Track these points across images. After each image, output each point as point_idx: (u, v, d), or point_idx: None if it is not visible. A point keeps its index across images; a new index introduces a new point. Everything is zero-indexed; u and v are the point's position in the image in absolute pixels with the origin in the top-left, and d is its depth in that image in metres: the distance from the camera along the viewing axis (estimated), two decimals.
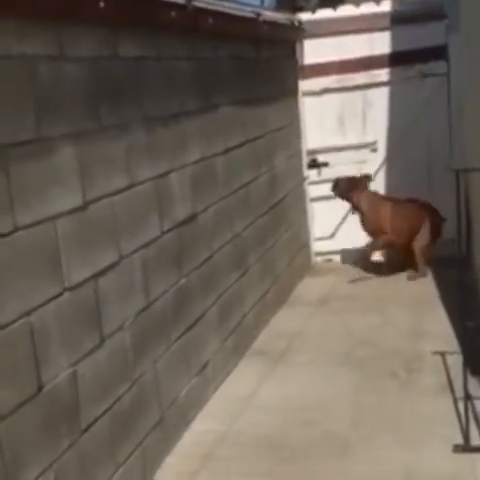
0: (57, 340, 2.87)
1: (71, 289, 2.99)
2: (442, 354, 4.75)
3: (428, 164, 6.92)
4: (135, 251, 3.59)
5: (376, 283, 6.67)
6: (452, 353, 4.61)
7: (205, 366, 4.48)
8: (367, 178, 6.77)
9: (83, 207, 3.11)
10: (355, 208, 6.75)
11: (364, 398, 4.43)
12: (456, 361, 4.32)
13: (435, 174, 6.81)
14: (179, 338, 4.10)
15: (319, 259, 7.56)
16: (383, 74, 6.98)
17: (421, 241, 6.57)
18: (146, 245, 3.72)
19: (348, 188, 6.65)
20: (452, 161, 6.32)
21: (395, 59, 6.91)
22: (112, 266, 3.35)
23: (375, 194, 6.73)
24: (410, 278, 6.58)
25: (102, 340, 3.24)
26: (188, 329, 4.23)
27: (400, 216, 6.57)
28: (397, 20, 6.85)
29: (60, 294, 2.91)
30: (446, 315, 5.49)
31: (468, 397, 3.88)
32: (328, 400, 4.44)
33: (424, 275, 6.54)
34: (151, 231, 3.79)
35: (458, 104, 6.28)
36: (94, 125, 3.25)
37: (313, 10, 7.24)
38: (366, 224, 6.69)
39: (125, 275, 3.48)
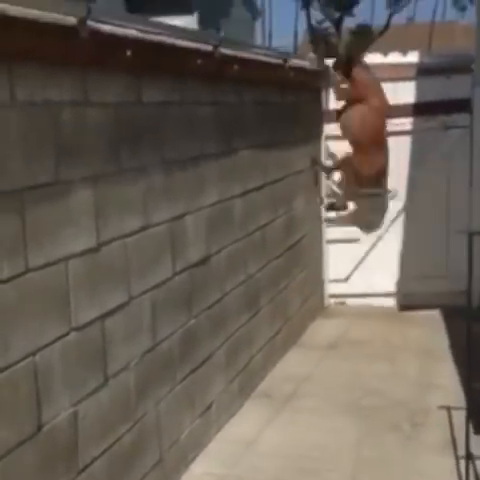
0: (60, 380, 2.92)
1: (78, 329, 3.04)
2: (448, 409, 4.73)
3: (447, 216, 6.93)
4: (145, 292, 3.65)
5: (387, 327, 6.66)
6: (458, 408, 4.59)
7: (209, 407, 4.51)
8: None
9: (96, 248, 3.18)
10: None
11: (366, 451, 4.42)
12: (462, 417, 4.29)
13: (453, 227, 6.81)
14: (184, 379, 4.14)
15: (333, 301, 7.57)
16: (406, 123, 7.02)
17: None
18: (157, 286, 3.77)
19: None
20: (470, 218, 6.36)
21: (419, 109, 6.96)
22: (121, 307, 3.41)
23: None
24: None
25: (106, 380, 3.28)
26: (194, 370, 4.27)
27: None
28: (423, 71, 6.92)
29: (66, 334, 2.96)
30: (455, 367, 5.48)
31: (469, 457, 3.87)
32: (329, 450, 4.43)
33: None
34: (163, 272, 3.85)
35: None
36: (113, 168, 3.33)
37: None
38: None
39: (133, 316, 3.54)
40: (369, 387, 5.34)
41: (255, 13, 22.52)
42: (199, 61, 4.05)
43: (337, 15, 31.69)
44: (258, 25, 28.21)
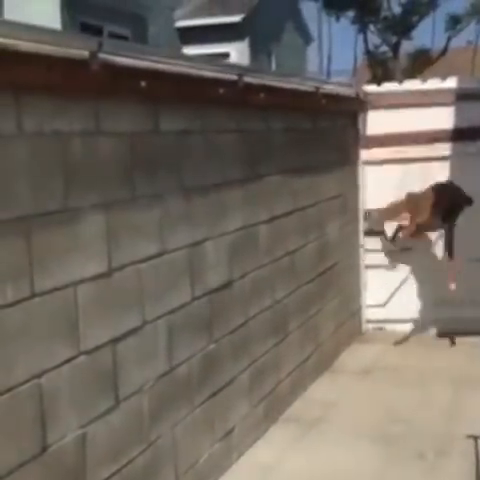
0: (68, 402, 3.00)
1: (87, 353, 3.12)
2: (475, 438, 4.66)
3: None
4: (161, 317, 3.71)
5: (423, 353, 6.59)
6: None
7: (230, 431, 4.53)
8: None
9: (107, 274, 3.27)
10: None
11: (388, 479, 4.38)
12: None
13: None
14: (203, 402, 4.18)
15: (370, 327, 7.52)
16: (445, 148, 6.98)
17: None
18: (174, 311, 3.84)
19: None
20: None
21: (458, 134, 6.91)
22: (134, 331, 3.48)
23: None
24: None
25: (117, 402, 3.35)
26: (214, 394, 4.30)
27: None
28: (462, 96, 6.87)
29: (75, 357, 3.05)
30: None
31: None
32: (352, 478, 4.41)
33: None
34: (180, 297, 3.91)
35: None
36: (127, 195, 3.42)
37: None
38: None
39: (148, 340, 3.60)
40: (398, 414, 5.29)
41: (308, 38, 22.66)
42: (221, 90, 4.13)
43: (394, 39, 31.62)
44: (314, 50, 28.34)
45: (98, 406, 3.22)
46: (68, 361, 3.01)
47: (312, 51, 25.22)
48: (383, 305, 7.40)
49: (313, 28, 24.09)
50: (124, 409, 3.41)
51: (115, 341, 3.33)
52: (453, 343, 6.79)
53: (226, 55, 15.23)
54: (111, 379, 3.32)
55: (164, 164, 3.74)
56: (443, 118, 6.96)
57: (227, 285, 4.45)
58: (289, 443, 4.89)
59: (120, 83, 3.24)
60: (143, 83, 3.35)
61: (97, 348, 3.20)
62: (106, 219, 3.26)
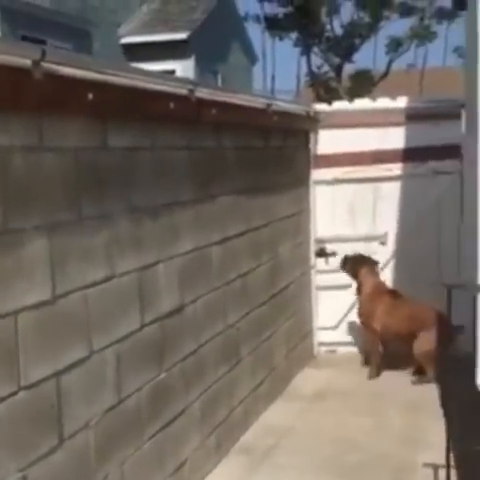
0: (5, 443, 2.73)
1: (27, 388, 2.86)
2: (434, 467, 4.51)
3: (438, 263, 6.79)
4: (109, 346, 3.47)
5: (377, 380, 6.46)
6: (444, 466, 4.37)
7: (182, 465, 4.29)
8: (375, 263, 6.66)
9: (51, 301, 3.01)
10: (358, 289, 6.62)
11: None
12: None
13: (444, 272, 6.66)
14: (153, 436, 3.93)
15: (323, 349, 7.37)
16: (395, 168, 6.92)
17: (420, 347, 6.23)
18: (122, 339, 3.59)
19: (356, 264, 6.58)
20: (459, 265, 6.22)
21: (408, 155, 6.86)
22: (80, 362, 3.23)
23: (381, 284, 6.57)
24: (414, 382, 6.31)
25: (61, 441, 3.09)
26: (165, 426, 4.06)
27: (397, 316, 6.35)
28: (412, 116, 6.83)
29: (14, 393, 2.78)
30: (444, 424, 5.25)
31: None
32: None
33: (429, 381, 6.25)
34: (130, 324, 3.67)
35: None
36: (73, 216, 3.18)
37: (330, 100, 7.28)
38: (360, 310, 6.61)
39: (95, 371, 3.35)
40: (353, 442, 5.13)
41: (253, 58, 22.68)
42: (172, 105, 3.93)
43: (337, 61, 31.94)
44: (259, 70, 28.44)
45: (40, 446, 2.95)
46: (6, 398, 2.74)
47: (257, 71, 25.28)
48: (335, 327, 7.27)
49: (258, 48, 24.18)
50: (68, 448, 3.14)
51: (59, 374, 3.07)
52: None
53: (172, 73, 15.06)
54: (54, 416, 3.05)
55: (112, 183, 3.51)
56: (393, 138, 6.90)
57: (178, 310, 4.22)
58: (242, 476, 4.66)
59: (65, 95, 3.01)
60: (90, 95, 3.13)
61: (39, 382, 2.94)
62: (50, 242, 3.01)
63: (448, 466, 3.80)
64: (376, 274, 6.61)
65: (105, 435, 3.44)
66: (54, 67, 2.86)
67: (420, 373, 6.33)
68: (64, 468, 3.11)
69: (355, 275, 6.60)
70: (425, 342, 6.21)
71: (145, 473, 3.84)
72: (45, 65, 2.80)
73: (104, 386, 3.44)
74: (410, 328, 6.30)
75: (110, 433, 3.49)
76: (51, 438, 3.03)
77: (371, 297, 6.49)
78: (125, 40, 16.50)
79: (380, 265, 6.77)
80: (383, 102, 6.99)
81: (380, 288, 6.55)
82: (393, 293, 6.54)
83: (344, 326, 7.22)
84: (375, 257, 6.77)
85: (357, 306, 6.67)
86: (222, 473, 4.71)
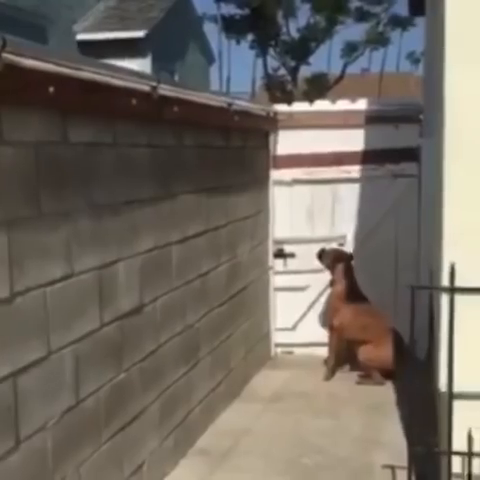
0: None
1: None
2: (392, 468, 4.53)
3: (395, 265, 6.85)
4: (67, 345, 3.38)
5: (334, 381, 6.48)
6: (403, 468, 4.39)
7: (140, 467, 4.22)
8: (351, 258, 6.71)
9: (9, 299, 2.92)
10: (332, 283, 6.68)
11: None
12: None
13: (401, 275, 6.72)
14: (111, 438, 3.86)
15: (279, 350, 7.36)
16: (354, 171, 6.95)
17: (364, 354, 6.36)
18: (81, 339, 3.51)
19: (335, 258, 6.63)
20: (418, 266, 6.29)
21: (367, 157, 6.89)
22: (38, 362, 3.14)
23: (354, 284, 6.59)
24: (358, 382, 6.40)
25: (17, 443, 3.00)
26: (123, 428, 3.99)
27: (356, 322, 6.43)
28: (372, 119, 6.86)
29: None
30: (401, 424, 5.30)
31: None
32: None
33: (373, 384, 6.32)
34: (89, 324, 3.59)
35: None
36: (32, 212, 3.09)
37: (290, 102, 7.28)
38: (328, 304, 6.75)
39: (53, 372, 3.27)
40: (311, 443, 5.12)
41: (210, 59, 22.62)
42: (134, 101, 3.86)
43: (293, 64, 32.07)
44: (215, 71, 28.39)
45: None
46: None
47: (213, 72, 25.27)
48: (292, 328, 7.26)
49: (214, 49, 24.14)
50: (25, 450, 3.06)
51: (16, 374, 2.98)
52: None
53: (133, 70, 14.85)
54: (11, 417, 2.96)
55: (73, 179, 3.43)
56: (352, 140, 6.92)
57: (138, 310, 4.16)
58: (200, 478, 4.61)
59: (26, 88, 2.92)
60: (51, 89, 3.05)
61: None
62: (8, 238, 2.92)
63: (410, 468, 3.81)
64: (351, 271, 6.63)
65: (63, 437, 3.36)
66: (15, 59, 2.77)
67: (368, 376, 6.39)
68: (20, 471, 3.02)
69: (331, 270, 6.66)
70: (370, 351, 6.33)
71: (102, 475, 3.76)
72: (5, 56, 2.71)
73: (62, 387, 3.36)
74: (363, 337, 6.39)
75: (68, 435, 3.40)
76: (7, 440, 2.94)
77: (341, 296, 6.55)
78: (81, 37, 16.29)
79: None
80: (343, 104, 7.01)
81: (352, 290, 6.56)
82: (361, 299, 6.54)
83: (301, 327, 7.21)
84: None
85: (328, 297, 6.81)
86: (180, 475, 4.65)
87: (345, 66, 32.97)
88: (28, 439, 3.07)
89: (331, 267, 6.66)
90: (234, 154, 5.91)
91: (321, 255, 6.72)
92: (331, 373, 6.55)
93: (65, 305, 3.37)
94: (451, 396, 3.49)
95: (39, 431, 3.17)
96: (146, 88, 4.03)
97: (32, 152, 3.08)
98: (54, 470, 3.29)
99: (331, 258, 6.67)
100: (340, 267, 6.60)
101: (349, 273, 6.62)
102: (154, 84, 4.09)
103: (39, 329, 3.16)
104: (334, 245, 6.98)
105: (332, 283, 6.70)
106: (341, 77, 32.66)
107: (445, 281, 3.42)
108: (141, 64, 15.54)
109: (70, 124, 3.37)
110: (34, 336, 3.13)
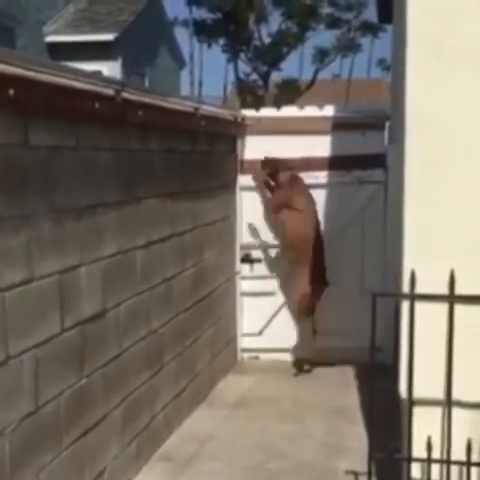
0: None
1: None
2: (355, 474, 4.54)
3: (362, 270, 6.89)
4: (26, 351, 3.34)
5: (299, 383, 6.50)
6: (365, 473, 4.40)
7: (101, 474, 4.18)
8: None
9: None
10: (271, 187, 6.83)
11: None
12: None
13: (368, 280, 6.75)
14: (72, 444, 3.82)
15: (246, 356, 7.36)
16: (321, 176, 6.97)
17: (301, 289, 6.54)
18: (41, 344, 3.47)
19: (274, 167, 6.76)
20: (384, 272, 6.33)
21: (334, 163, 6.93)
22: None
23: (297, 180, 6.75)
24: (296, 375, 6.63)
25: None
26: (84, 434, 3.95)
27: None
28: (338, 125, 6.90)
29: None
30: (365, 429, 5.30)
31: None
32: None
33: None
34: (49, 329, 3.55)
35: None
36: None
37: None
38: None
39: (11, 377, 3.23)
40: (275, 449, 5.12)
41: (181, 63, 22.60)
42: (98, 105, 3.84)
43: (264, 69, 32.16)
44: (186, 75, 28.36)
45: None
46: None
47: (184, 76, 25.23)
48: (258, 333, 7.26)
49: (186, 53, 24.11)
50: None
51: None
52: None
53: (98, 73, 14.79)
54: None
55: (33, 182, 3.39)
56: (319, 146, 6.95)
57: (100, 315, 4.12)
58: None
59: None
60: (11, 91, 3.01)
61: None
62: None
63: (370, 473, 3.82)
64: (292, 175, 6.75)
65: (21, 443, 3.32)
66: None
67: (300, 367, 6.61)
68: None
69: (273, 177, 6.79)
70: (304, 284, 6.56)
71: None
72: None
73: (21, 392, 3.32)
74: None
75: (27, 441, 3.36)
76: None
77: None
78: (50, 39, 16.15)
79: None
80: (310, 110, 7.04)
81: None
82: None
83: (267, 333, 7.21)
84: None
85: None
86: None
87: (316, 72, 33.19)
88: None
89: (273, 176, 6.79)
90: (201, 159, 5.90)
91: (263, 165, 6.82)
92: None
93: (25, 310, 3.33)
94: (411, 402, 3.51)
95: None
96: (110, 92, 4.00)
97: None
98: (12, 476, 3.24)
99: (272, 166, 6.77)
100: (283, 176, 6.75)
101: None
102: (118, 88, 4.07)
103: None
104: None
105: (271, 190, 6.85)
106: (312, 83, 32.86)
107: (406, 288, 3.44)
108: (111, 67, 15.48)
109: (31, 127, 3.34)
110: None
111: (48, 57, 15.13)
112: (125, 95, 4.15)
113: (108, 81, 4.08)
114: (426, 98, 3.40)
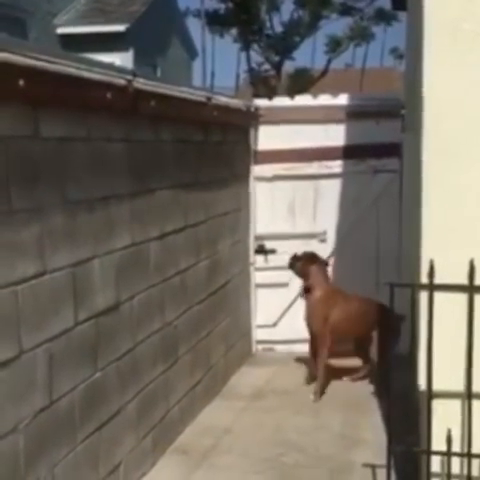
0: None
1: None
2: (372, 467, 4.49)
3: (376, 261, 6.81)
4: (40, 345, 3.31)
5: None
6: (382, 466, 4.34)
7: (116, 468, 4.15)
8: (326, 263, 6.30)
9: None
10: (306, 290, 6.13)
11: None
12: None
13: (383, 271, 6.69)
14: (87, 438, 3.79)
15: (260, 347, 7.32)
16: (335, 166, 6.90)
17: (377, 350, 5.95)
18: (55, 338, 3.44)
19: (306, 264, 6.08)
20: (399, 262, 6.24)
21: (348, 152, 6.85)
22: (9, 362, 3.07)
23: (332, 286, 6.20)
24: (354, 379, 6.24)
25: None
26: (99, 428, 3.92)
27: (351, 316, 6.06)
28: (353, 114, 6.82)
29: None
30: (383, 421, 5.25)
31: None
32: None
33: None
34: (62, 322, 3.52)
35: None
36: (2, 208, 3.01)
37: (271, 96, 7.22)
38: (311, 314, 6.11)
39: (25, 372, 3.19)
40: (292, 442, 5.08)
41: (193, 53, 22.52)
42: (109, 95, 3.79)
43: (277, 58, 32.02)
44: (199, 65, 28.27)
45: None
46: None
47: (196, 67, 25.14)
48: (273, 325, 7.22)
49: (198, 43, 24.01)
50: None
51: None
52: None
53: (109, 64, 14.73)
54: None
55: (45, 174, 3.35)
56: (334, 135, 6.87)
57: (114, 307, 4.08)
58: (179, 477, 4.56)
59: None
60: (21, 82, 2.96)
61: None
62: None
63: (389, 467, 3.77)
64: (326, 275, 6.17)
65: (36, 438, 3.29)
66: None
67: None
68: None
69: (304, 276, 6.11)
70: (379, 343, 5.95)
71: (78, 476, 3.69)
72: None
73: (35, 387, 3.29)
74: (365, 326, 6.05)
75: (41, 436, 3.33)
76: None
77: (323, 300, 6.03)
78: (62, 30, 16.13)
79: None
80: (324, 99, 6.96)
81: (332, 290, 6.13)
82: (343, 294, 6.13)
83: (282, 324, 7.16)
84: None
85: (306, 310, 6.15)
86: (158, 475, 4.59)
87: (329, 61, 33.01)
88: None
89: (303, 273, 6.11)
90: (213, 149, 5.85)
91: (293, 263, 6.18)
92: (322, 391, 6.00)
93: (37, 303, 3.30)
94: (430, 395, 3.45)
95: (11, 433, 3.09)
96: (121, 82, 3.95)
97: (2, 147, 3.00)
98: (27, 471, 3.22)
99: (303, 264, 6.10)
100: (315, 269, 6.07)
101: (325, 276, 6.14)
102: (129, 78, 4.02)
103: (10, 328, 3.09)
104: (314, 242, 6.92)
105: (308, 289, 6.10)
106: (325, 72, 32.68)
107: (424, 278, 3.38)
108: (123, 58, 15.45)
109: (42, 118, 3.29)
110: (5, 335, 3.05)
111: (60, 49, 15.10)
112: (137, 85, 4.10)
113: (119, 71, 4.02)
114: (444, 83, 3.33)
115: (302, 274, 6.14)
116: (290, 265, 6.23)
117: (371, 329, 6.04)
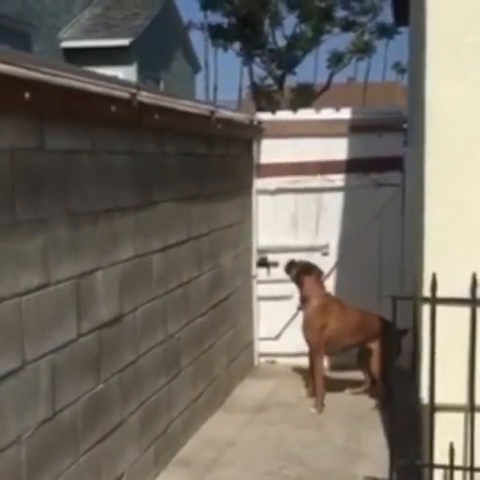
0: None
1: None
2: None
3: (379, 274, 6.82)
4: (43, 356, 3.32)
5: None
6: None
7: (119, 479, 4.15)
8: (321, 272, 6.31)
9: None
10: (303, 299, 6.16)
11: None
12: None
13: (385, 284, 6.69)
14: (89, 450, 3.79)
15: (263, 360, 7.32)
16: (338, 179, 6.92)
17: (376, 363, 5.96)
18: (58, 349, 3.45)
19: (302, 272, 6.14)
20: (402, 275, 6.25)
21: (350, 166, 6.87)
22: (12, 373, 3.07)
23: (328, 295, 6.28)
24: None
25: None
26: (101, 440, 3.92)
27: (348, 327, 6.05)
28: (355, 128, 6.85)
29: None
30: (385, 434, 5.25)
31: None
32: None
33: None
34: (66, 334, 3.53)
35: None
36: (6, 220, 3.03)
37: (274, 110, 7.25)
38: (307, 323, 6.12)
39: (28, 383, 3.20)
40: (294, 455, 5.07)
41: (196, 67, 22.64)
42: (113, 108, 3.81)
43: (279, 72, 32.17)
44: (201, 79, 28.43)
45: None
46: None
47: (199, 81, 25.23)
48: (275, 338, 7.22)
49: (201, 57, 24.16)
50: None
51: None
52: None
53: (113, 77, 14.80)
54: None
55: (50, 186, 3.37)
56: (336, 149, 6.90)
57: (117, 319, 4.09)
58: None
59: (1, 93, 2.86)
60: (27, 95, 2.99)
61: None
62: None
63: None
64: (322, 285, 6.24)
65: (38, 449, 3.29)
66: None
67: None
68: None
69: (299, 283, 6.19)
70: (380, 357, 5.93)
71: None
72: None
73: (38, 398, 3.30)
74: (362, 338, 6.07)
75: (44, 447, 3.34)
76: None
77: (319, 310, 6.06)
78: (66, 44, 16.23)
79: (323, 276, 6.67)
80: (327, 113, 6.99)
81: (328, 300, 6.16)
82: (340, 303, 6.18)
83: (285, 337, 7.16)
84: None
85: (302, 320, 6.18)
86: None
87: (331, 75, 33.18)
88: (2, 452, 3.01)
89: (297, 280, 6.17)
90: (216, 162, 5.87)
91: (289, 268, 6.26)
92: (322, 402, 5.96)
93: (41, 315, 3.31)
94: (433, 408, 3.45)
95: (13, 444, 3.10)
96: (125, 95, 3.98)
97: (7, 159, 3.02)
98: None
99: (299, 271, 6.17)
100: (309, 280, 6.12)
101: (320, 285, 6.18)
102: (134, 91, 4.05)
103: (13, 339, 3.10)
104: (317, 255, 6.93)
105: (304, 300, 6.14)
106: (327, 86, 32.83)
107: (426, 291, 3.38)
108: (127, 72, 15.52)
109: (47, 131, 3.31)
110: (8, 346, 3.06)
111: (64, 62, 15.20)
112: (141, 98, 4.13)
113: (124, 84, 4.05)
114: (446, 98, 3.35)
115: (297, 283, 6.24)
116: (286, 269, 6.33)
117: (369, 341, 6.05)
